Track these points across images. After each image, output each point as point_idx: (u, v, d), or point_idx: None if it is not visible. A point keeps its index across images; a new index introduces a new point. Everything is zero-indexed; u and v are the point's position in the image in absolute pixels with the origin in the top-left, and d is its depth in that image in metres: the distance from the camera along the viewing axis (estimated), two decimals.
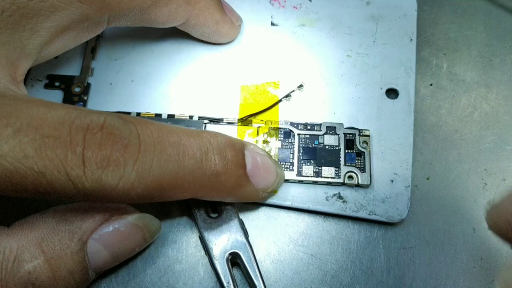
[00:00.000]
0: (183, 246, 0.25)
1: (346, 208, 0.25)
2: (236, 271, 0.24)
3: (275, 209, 0.26)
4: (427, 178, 0.27)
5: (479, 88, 0.29)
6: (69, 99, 0.27)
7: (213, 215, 0.24)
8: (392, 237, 0.26)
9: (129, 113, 0.27)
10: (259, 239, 0.25)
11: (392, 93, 0.28)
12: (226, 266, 0.23)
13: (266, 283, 0.24)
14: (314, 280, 0.25)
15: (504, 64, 0.30)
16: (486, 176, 0.27)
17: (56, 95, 0.27)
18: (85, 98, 0.27)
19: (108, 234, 0.21)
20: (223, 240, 0.23)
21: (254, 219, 0.26)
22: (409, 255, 0.25)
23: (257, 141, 0.27)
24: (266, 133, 0.27)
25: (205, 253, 0.24)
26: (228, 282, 0.23)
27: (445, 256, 0.25)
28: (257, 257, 0.25)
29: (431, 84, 0.29)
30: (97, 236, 0.21)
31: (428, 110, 0.29)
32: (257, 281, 0.23)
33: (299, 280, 0.25)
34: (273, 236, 0.25)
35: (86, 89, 0.28)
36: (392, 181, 0.26)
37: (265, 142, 0.26)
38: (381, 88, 0.28)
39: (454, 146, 0.28)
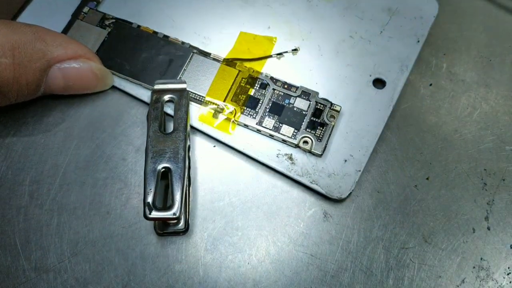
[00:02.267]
0: (183, 246, 0.25)
1: (292, 169, 0.26)
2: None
3: (274, 209, 0.26)
4: (427, 178, 0.27)
5: (479, 88, 0.29)
6: None
7: (166, 132, 0.25)
8: (392, 237, 0.26)
9: (131, 23, 0.29)
10: (259, 239, 0.25)
11: (379, 83, 0.28)
12: (155, 177, 0.23)
13: (265, 283, 0.24)
14: (314, 280, 0.25)
15: (503, 64, 0.30)
16: (486, 176, 0.27)
17: None
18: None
19: (71, 68, 0.25)
20: (162, 153, 0.24)
21: (253, 219, 0.26)
22: (409, 255, 0.25)
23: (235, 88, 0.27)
24: (245, 78, 0.28)
25: (144, 163, 0.24)
26: (150, 189, 0.23)
27: (445, 256, 0.25)
28: (256, 257, 0.25)
29: (430, 84, 0.29)
30: (62, 66, 0.25)
31: (428, 110, 0.29)
32: (177, 197, 0.23)
33: (299, 280, 0.25)
34: (273, 236, 0.25)
35: None
36: (345, 160, 0.26)
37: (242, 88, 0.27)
38: (370, 76, 0.28)
39: (453, 146, 0.28)
